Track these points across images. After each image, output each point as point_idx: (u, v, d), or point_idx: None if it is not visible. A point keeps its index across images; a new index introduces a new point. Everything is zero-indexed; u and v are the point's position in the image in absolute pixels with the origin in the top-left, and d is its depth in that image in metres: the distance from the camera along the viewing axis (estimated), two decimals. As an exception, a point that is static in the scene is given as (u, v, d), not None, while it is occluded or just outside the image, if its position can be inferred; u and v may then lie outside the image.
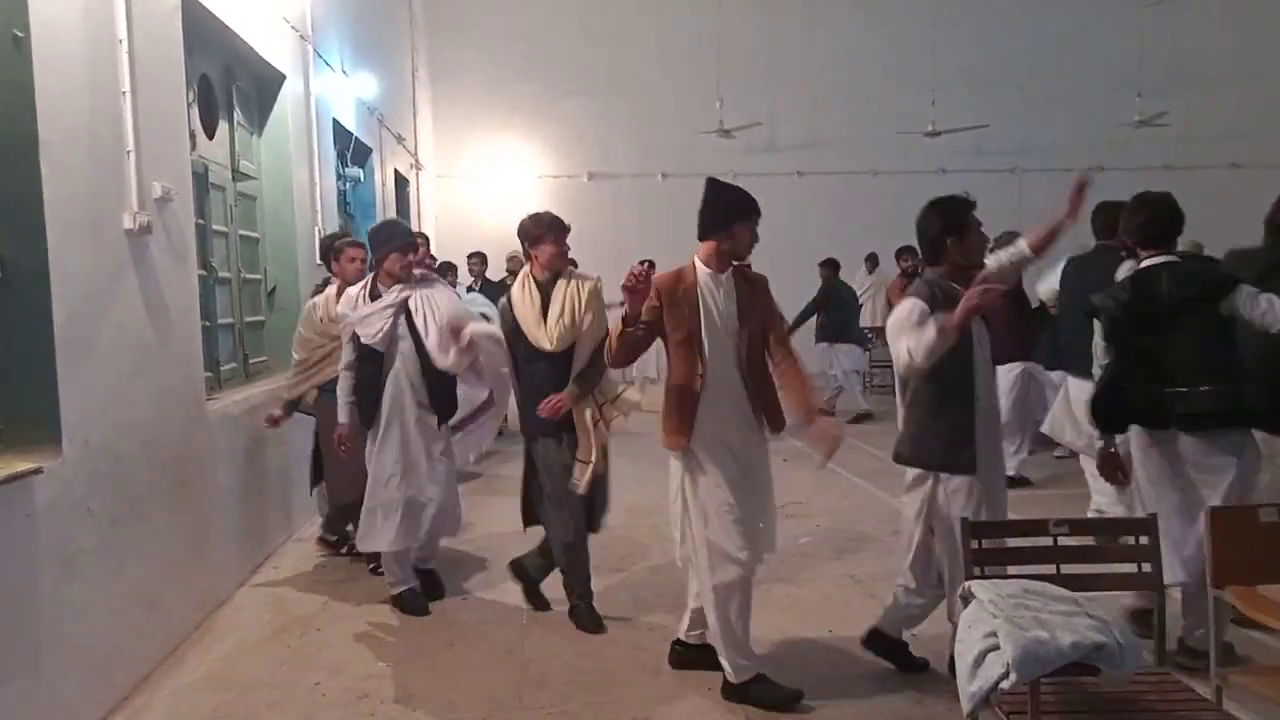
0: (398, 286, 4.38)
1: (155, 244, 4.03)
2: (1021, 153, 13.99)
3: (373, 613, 4.51)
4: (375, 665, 3.94)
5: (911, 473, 3.51)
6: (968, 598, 2.47)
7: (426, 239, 6.98)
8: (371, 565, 4.92)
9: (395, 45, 11.50)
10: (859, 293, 10.99)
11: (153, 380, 3.96)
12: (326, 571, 5.17)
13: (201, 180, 5.11)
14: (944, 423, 3.38)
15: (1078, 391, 4.67)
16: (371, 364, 4.39)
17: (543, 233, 4.12)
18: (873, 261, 11.69)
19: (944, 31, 13.65)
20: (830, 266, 10.31)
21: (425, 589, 4.60)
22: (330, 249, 5.17)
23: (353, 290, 4.47)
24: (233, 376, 5.52)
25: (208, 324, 5.08)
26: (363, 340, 4.35)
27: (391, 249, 4.38)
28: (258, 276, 6.11)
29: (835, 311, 10.08)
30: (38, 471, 3.00)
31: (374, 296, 4.39)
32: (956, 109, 13.06)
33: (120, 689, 3.60)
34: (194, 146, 4.95)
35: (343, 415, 4.48)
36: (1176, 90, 13.56)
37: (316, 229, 6.81)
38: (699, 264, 3.49)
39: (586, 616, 4.25)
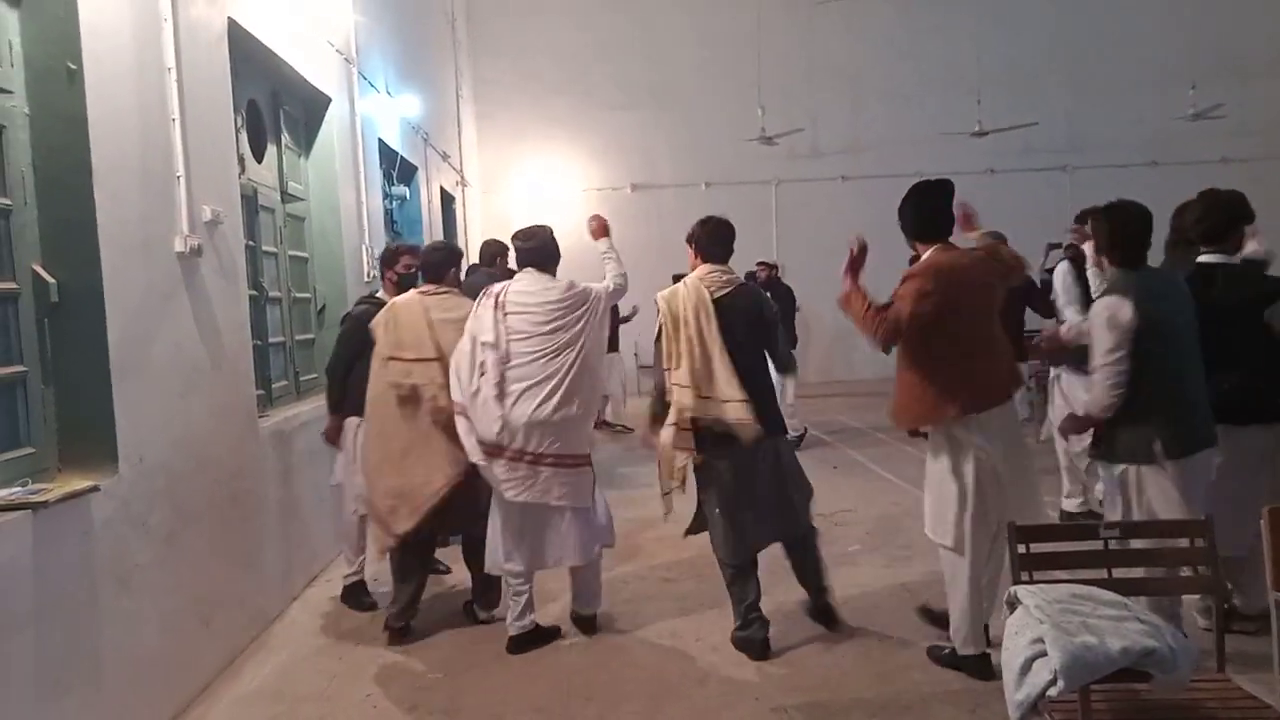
0: None
1: (206, 265, 4.13)
2: (1071, 150, 13.73)
3: (422, 626, 4.54)
4: (425, 677, 3.97)
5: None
6: (1014, 603, 2.42)
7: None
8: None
9: (438, 65, 11.67)
10: None
11: (206, 398, 4.06)
12: (377, 585, 5.22)
13: (251, 202, 5.23)
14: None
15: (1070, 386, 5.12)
16: None
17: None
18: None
19: (987, 29, 13.45)
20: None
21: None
22: (449, 260, 4.69)
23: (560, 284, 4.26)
24: (284, 394, 5.63)
25: (259, 343, 5.18)
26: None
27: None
28: (307, 295, 6.24)
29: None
30: (95, 489, 3.09)
31: None
32: (1003, 108, 12.84)
33: (178, 700, 3.69)
34: (243, 170, 5.08)
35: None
36: (1230, 80, 13.18)
37: (364, 247, 6.93)
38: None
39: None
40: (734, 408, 3.88)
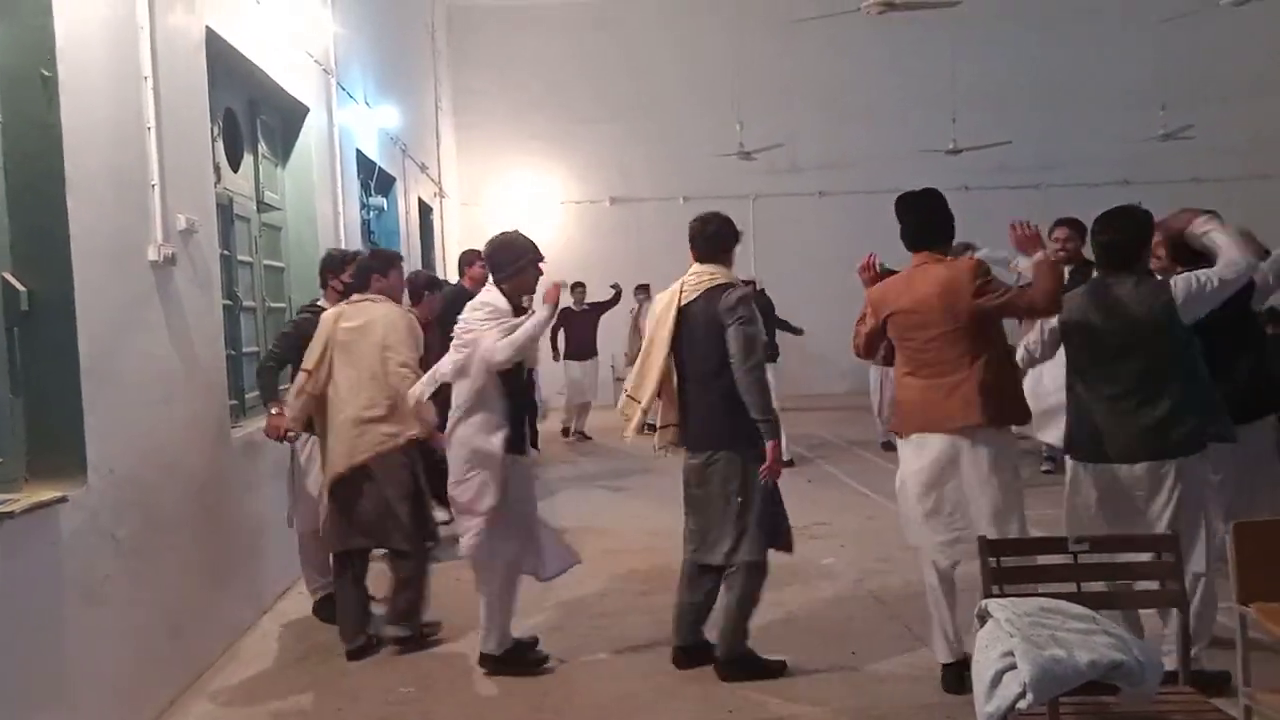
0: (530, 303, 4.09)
1: (180, 275, 4.10)
2: (1045, 169, 13.90)
3: (394, 639, 4.51)
4: (396, 691, 3.94)
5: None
6: (984, 616, 2.44)
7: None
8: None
9: (418, 76, 11.67)
10: None
11: (177, 409, 4.02)
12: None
13: (226, 212, 5.20)
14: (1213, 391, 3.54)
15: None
16: (519, 385, 4.10)
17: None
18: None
19: (964, 49, 13.63)
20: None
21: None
22: (372, 267, 4.54)
23: (492, 304, 3.97)
24: (258, 405, 5.57)
25: (233, 353, 5.15)
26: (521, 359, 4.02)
27: (529, 261, 4.03)
28: (283, 305, 6.20)
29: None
30: (63, 500, 3.05)
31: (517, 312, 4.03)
32: (978, 126, 13.01)
33: (145, 715, 3.63)
34: (219, 179, 5.05)
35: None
36: (1201, 102, 13.43)
37: (341, 258, 6.90)
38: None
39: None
40: (636, 412, 3.94)
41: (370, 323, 4.32)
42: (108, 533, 3.38)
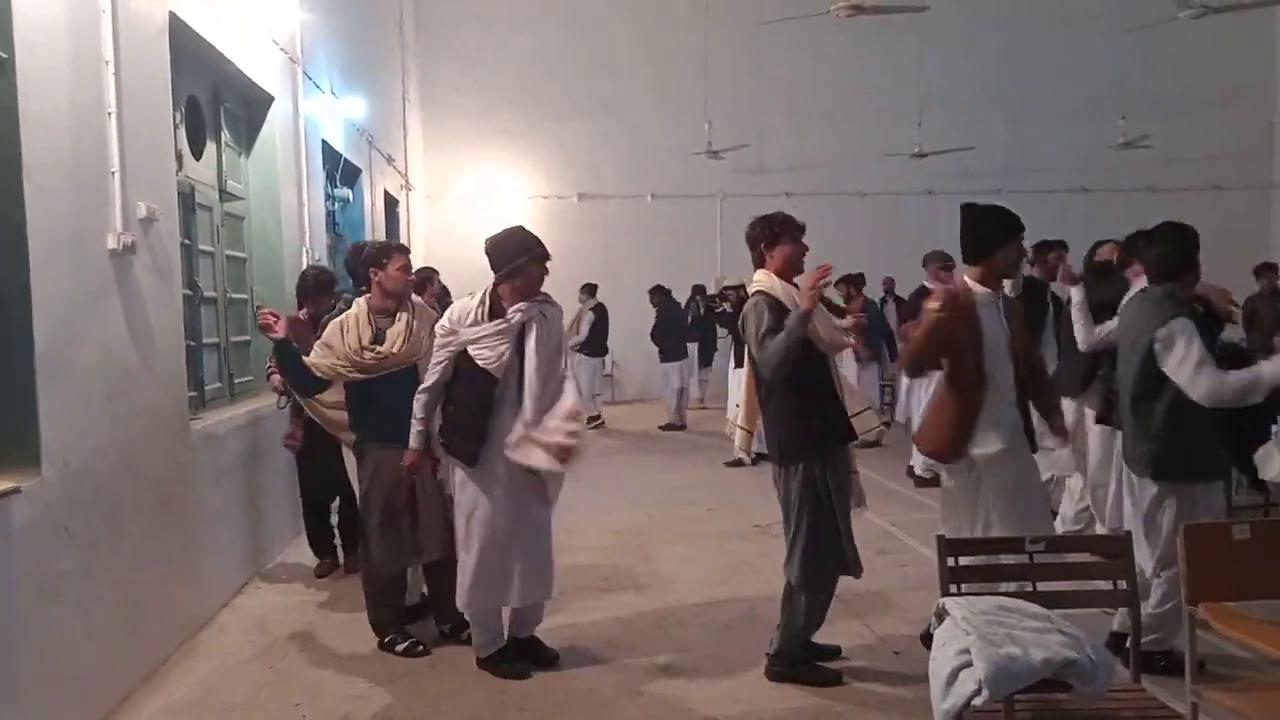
0: (522, 304, 3.82)
1: (139, 264, 4.04)
2: (1006, 174, 14.11)
3: (355, 634, 4.47)
4: (356, 686, 3.91)
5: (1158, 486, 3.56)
6: (942, 614, 2.48)
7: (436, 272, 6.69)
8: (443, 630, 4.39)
9: (385, 67, 11.56)
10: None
11: (135, 400, 3.96)
12: (310, 593, 5.14)
13: (188, 200, 5.12)
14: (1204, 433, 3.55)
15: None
16: (480, 391, 3.81)
17: (780, 232, 3.92)
18: (858, 284, 11.75)
19: (929, 55, 13.81)
20: (661, 293, 11.67)
21: (534, 657, 4.10)
22: (371, 258, 4.30)
23: (467, 302, 3.88)
24: (218, 396, 5.52)
25: (193, 344, 5.08)
26: (480, 364, 3.78)
27: (529, 260, 3.80)
28: (244, 296, 6.12)
29: (667, 333, 11.49)
30: (15, 492, 3.00)
31: (495, 314, 3.83)
32: (942, 131, 13.19)
33: (100, 711, 3.57)
34: (180, 167, 4.97)
35: (415, 440, 3.95)
36: (1159, 113, 13.72)
37: (305, 249, 6.83)
38: (973, 284, 3.67)
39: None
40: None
41: None
42: (62, 526, 3.32)
